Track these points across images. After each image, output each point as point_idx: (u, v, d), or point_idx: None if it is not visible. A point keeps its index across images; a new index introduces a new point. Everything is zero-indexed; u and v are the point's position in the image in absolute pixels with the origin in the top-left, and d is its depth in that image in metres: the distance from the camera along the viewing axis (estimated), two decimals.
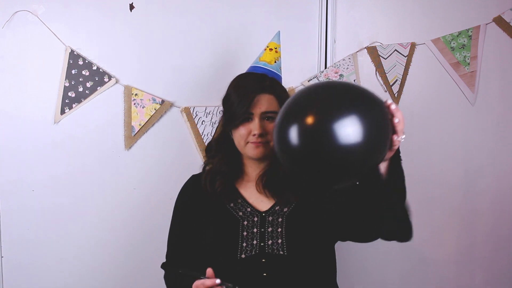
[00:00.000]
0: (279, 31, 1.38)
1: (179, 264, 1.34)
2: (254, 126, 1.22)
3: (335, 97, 0.96)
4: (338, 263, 1.34)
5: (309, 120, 0.93)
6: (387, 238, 1.19)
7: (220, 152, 1.32)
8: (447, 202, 1.93)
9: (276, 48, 1.36)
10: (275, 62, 1.33)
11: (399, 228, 1.15)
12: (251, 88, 1.22)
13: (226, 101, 1.28)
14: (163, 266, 1.42)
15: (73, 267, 1.83)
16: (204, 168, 1.37)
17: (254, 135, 1.22)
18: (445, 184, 1.92)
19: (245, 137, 1.24)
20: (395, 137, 0.97)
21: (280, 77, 1.34)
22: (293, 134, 0.94)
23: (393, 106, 0.97)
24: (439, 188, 1.92)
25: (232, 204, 1.28)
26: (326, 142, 0.91)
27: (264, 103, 1.22)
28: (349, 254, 1.91)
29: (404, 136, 0.98)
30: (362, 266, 1.94)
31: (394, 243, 1.92)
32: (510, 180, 1.93)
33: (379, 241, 1.93)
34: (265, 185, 1.28)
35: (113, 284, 1.87)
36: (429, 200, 1.92)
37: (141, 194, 1.84)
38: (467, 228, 1.94)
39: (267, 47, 1.36)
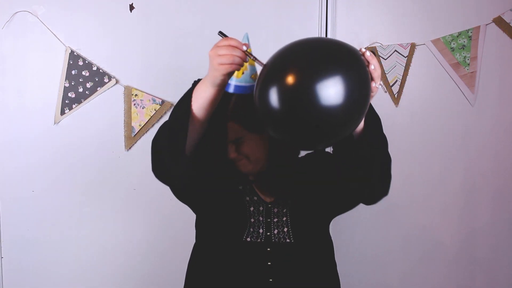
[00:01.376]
0: (246, 33, 1.26)
1: None
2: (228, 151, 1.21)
3: (315, 55, 0.92)
4: (338, 264, 1.34)
5: (290, 80, 0.89)
6: (372, 194, 1.18)
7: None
8: (447, 202, 1.93)
9: None
10: (243, 73, 1.21)
11: (383, 179, 1.15)
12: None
13: None
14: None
15: (72, 267, 1.84)
16: None
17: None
18: (445, 184, 1.92)
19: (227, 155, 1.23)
20: (373, 84, 0.97)
21: (249, 87, 1.22)
22: (273, 96, 0.90)
23: (367, 53, 0.97)
24: (438, 188, 1.92)
25: (241, 187, 1.29)
26: (310, 104, 0.87)
27: (230, 131, 1.20)
28: (349, 254, 1.91)
29: (381, 82, 0.97)
30: (362, 266, 1.94)
31: (394, 242, 1.93)
32: (510, 180, 1.93)
33: (379, 240, 1.94)
34: (263, 186, 1.29)
35: (112, 284, 1.87)
36: (429, 200, 1.92)
37: (141, 195, 1.84)
38: (467, 228, 1.94)
39: None
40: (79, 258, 1.84)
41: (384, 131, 1.07)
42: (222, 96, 1.12)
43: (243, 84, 1.20)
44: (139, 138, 1.81)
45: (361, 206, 1.91)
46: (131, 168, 1.82)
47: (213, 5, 1.82)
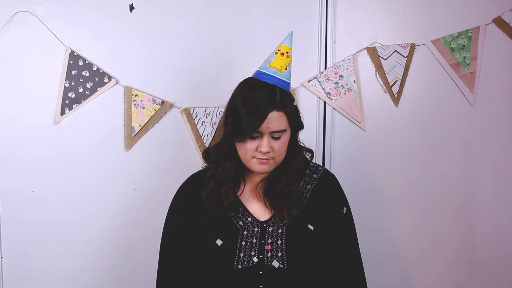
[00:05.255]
0: (291, 32, 1.25)
1: (175, 281, 1.31)
2: (262, 143, 1.17)
3: None
4: None
5: None
6: None
7: (224, 160, 1.27)
8: (447, 202, 1.93)
9: (287, 53, 1.23)
10: (286, 69, 1.21)
11: None
12: (262, 105, 1.14)
13: (234, 112, 1.19)
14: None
15: (73, 268, 1.84)
16: (204, 173, 1.34)
17: (261, 151, 1.18)
18: (445, 184, 1.92)
19: (252, 152, 1.19)
20: None
21: (289, 85, 1.25)
22: None
23: None
24: (439, 189, 1.92)
25: (232, 213, 1.26)
26: None
27: (274, 121, 1.15)
28: None
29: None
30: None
31: (394, 242, 1.93)
32: (510, 180, 1.93)
33: (379, 240, 1.94)
34: (265, 193, 1.27)
35: (112, 284, 1.87)
36: (429, 200, 1.92)
37: (141, 195, 1.84)
38: (467, 229, 1.94)
39: (278, 50, 1.23)
40: (79, 259, 1.83)
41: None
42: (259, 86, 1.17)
43: (285, 79, 1.22)
44: (139, 138, 1.82)
45: (361, 206, 1.91)
46: (131, 168, 1.82)
47: (213, 5, 1.82)
